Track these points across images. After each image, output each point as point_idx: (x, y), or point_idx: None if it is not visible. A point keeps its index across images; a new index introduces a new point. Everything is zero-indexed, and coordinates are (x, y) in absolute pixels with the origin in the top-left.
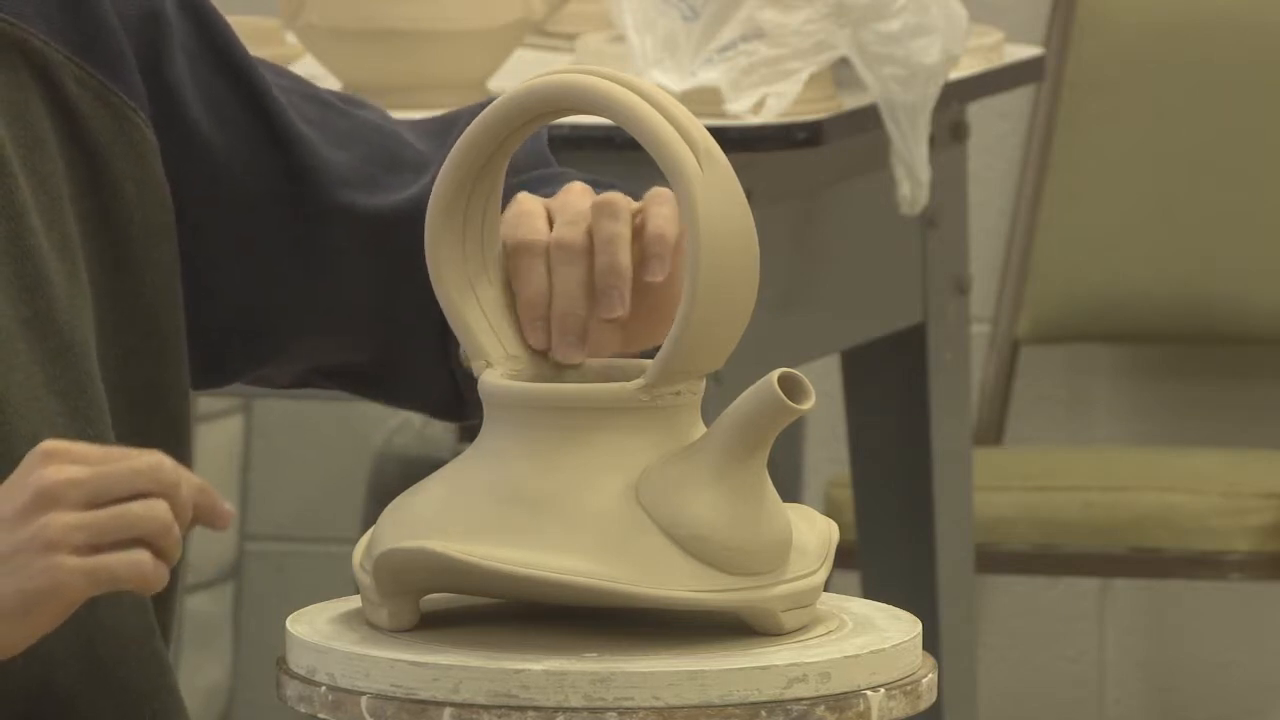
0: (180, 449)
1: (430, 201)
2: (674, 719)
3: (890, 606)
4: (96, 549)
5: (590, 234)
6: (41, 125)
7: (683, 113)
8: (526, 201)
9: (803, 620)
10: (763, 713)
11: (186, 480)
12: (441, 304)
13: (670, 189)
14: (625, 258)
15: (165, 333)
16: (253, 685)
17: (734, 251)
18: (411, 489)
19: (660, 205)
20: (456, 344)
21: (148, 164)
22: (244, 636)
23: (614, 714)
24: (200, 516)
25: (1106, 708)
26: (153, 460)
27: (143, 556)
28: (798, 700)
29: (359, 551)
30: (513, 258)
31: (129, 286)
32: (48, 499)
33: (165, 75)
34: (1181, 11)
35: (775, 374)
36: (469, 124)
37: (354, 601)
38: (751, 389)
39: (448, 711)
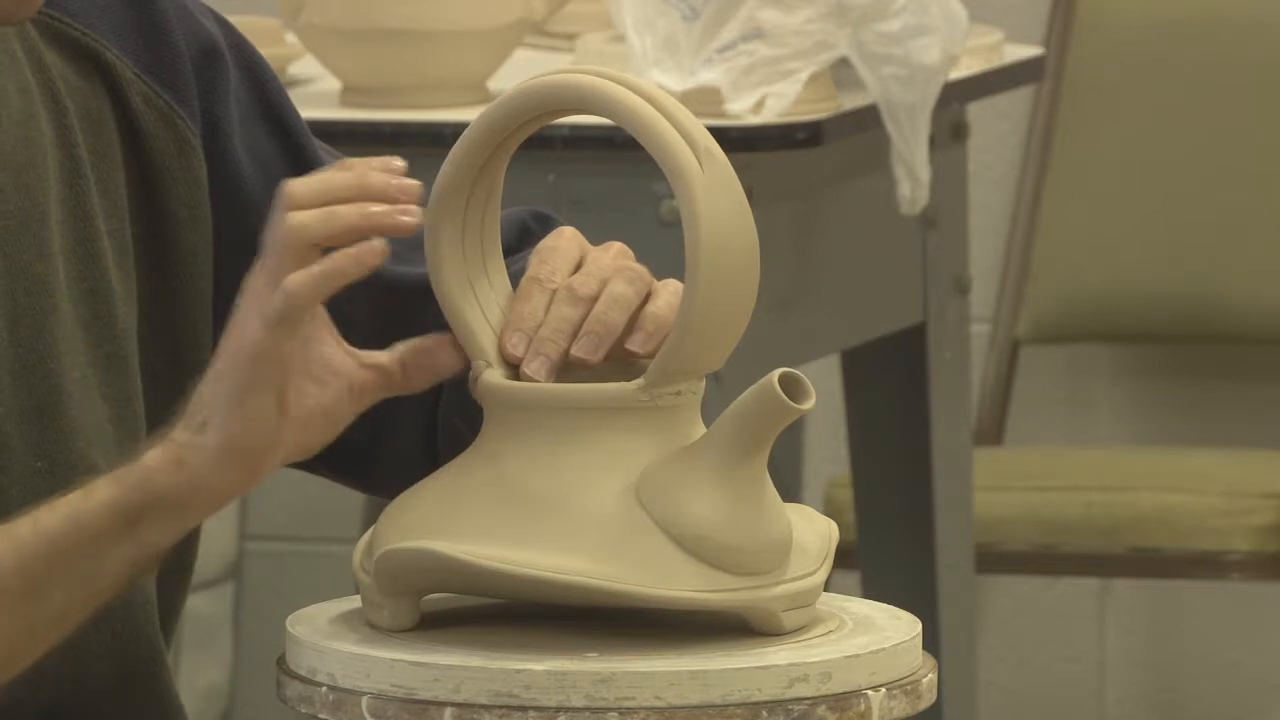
0: None
1: (430, 201)
2: (675, 719)
3: (890, 606)
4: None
5: (602, 287)
6: (110, 137)
7: (683, 112)
8: (565, 239)
9: (803, 620)
10: (764, 713)
11: (318, 180)
12: (441, 304)
13: (674, 192)
14: (620, 319)
15: (193, 364)
16: (253, 685)
17: (734, 251)
18: (412, 489)
19: (671, 294)
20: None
21: (200, 192)
22: (244, 636)
23: (615, 714)
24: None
25: (1106, 708)
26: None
27: (284, 280)
28: (799, 700)
29: (359, 551)
30: (524, 284)
31: (168, 313)
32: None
33: (216, 113)
34: (1181, 11)
35: (775, 374)
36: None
37: (354, 601)
38: (752, 389)
39: (449, 711)
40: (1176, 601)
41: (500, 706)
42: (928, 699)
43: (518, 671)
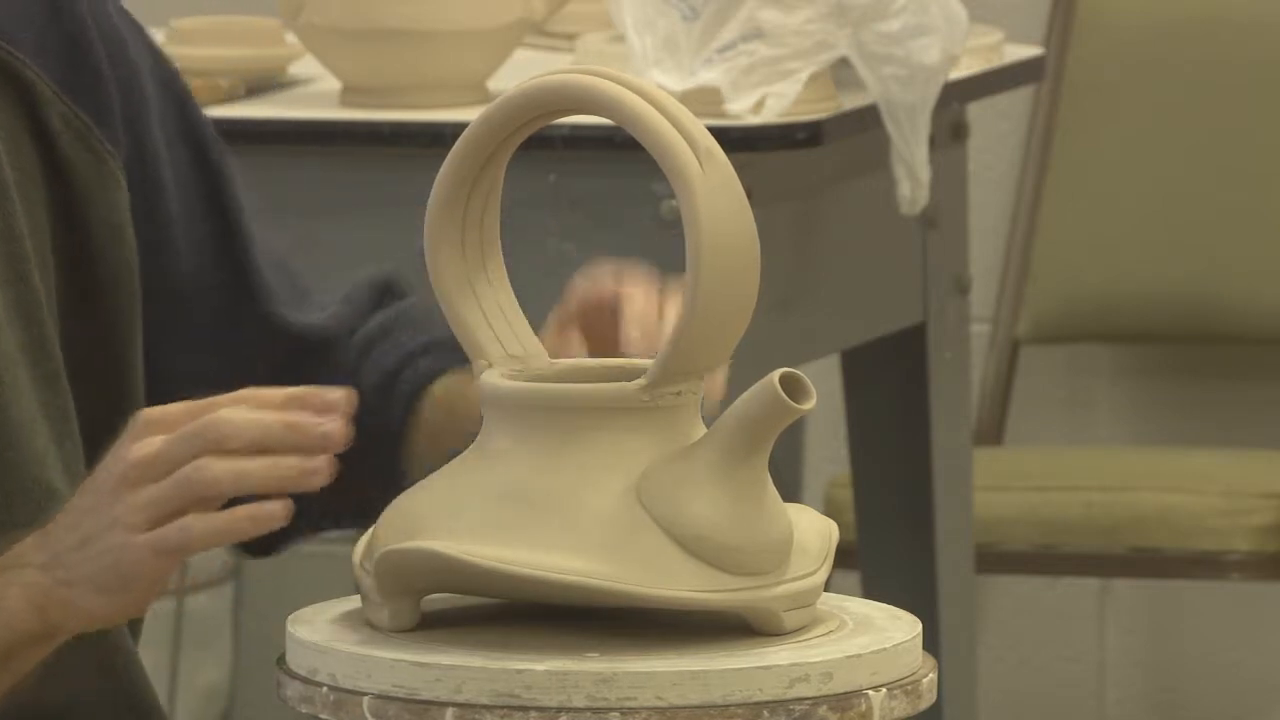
0: None
1: (430, 201)
2: (677, 719)
3: (890, 606)
4: (162, 521)
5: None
6: (28, 154)
7: (683, 112)
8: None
9: (803, 620)
10: (765, 713)
11: (249, 425)
12: (440, 303)
13: (674, 192)
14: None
15: (126, 380)
16: (253, 685)
17: (735, 251)
18: (412, 489)
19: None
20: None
21: (120, 212)
22: (244, 636)
23: (617, 714)
24: (297, 434)
25: (1106, 708)
26: (208, 420)
27: (189, 522)
28: (800, 700)
29: (359, 551)
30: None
31: (93, 329)
32: (129, 480)
33: (143, 139)
34: (1181, 11)
35: (776, 374)
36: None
37: (354, 601)
38: (753, 389)
39: (450, 712)
40: (1176, 601)
41: (502, 707)
42: (928, 699)
43: (519, 672)
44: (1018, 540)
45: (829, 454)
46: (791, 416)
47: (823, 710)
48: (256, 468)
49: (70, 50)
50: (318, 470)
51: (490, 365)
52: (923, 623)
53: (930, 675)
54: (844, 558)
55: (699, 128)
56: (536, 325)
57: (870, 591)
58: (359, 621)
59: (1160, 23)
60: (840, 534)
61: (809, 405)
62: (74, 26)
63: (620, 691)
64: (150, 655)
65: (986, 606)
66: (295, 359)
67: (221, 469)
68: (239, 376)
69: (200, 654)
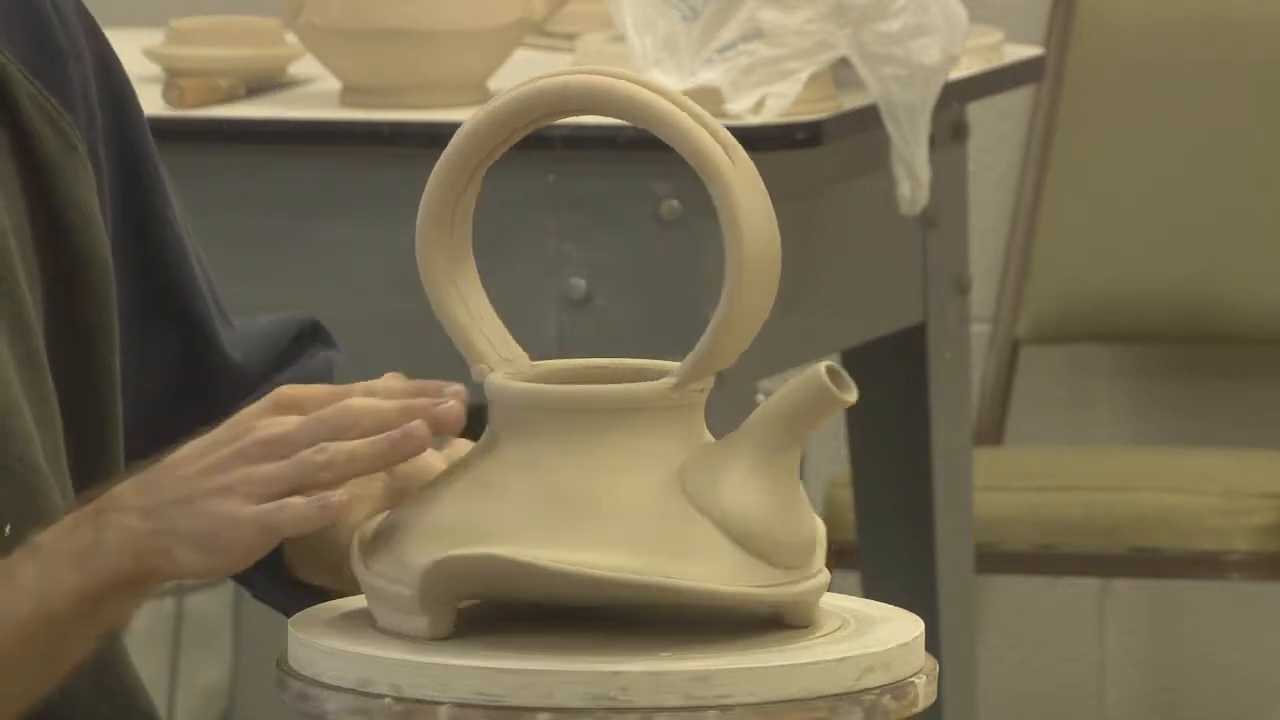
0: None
1: (424, 199)
2: (768, 714)
3: (888, 605)
4: (273, 497)
5: None
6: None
7: (701, 110)
8: None
9: (818, 615)
10: (844, 705)
11: (368, 414)
12: (433, 304)
13: (709, 191)
14: None
15: (100, 368)
16: (253, 685)
17: (765, 243)
18: (423, 492)
19: None
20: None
21: (89, 195)
22: (244, 636)
23: (714, 712)
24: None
25: (1106, 708)
26: (335, 408)
27: (299, 505)
28: (868, 690)
29: (356, 548)
30: None
31: (68, 313)
32: (252, 456)
33: (93, 141)
34: (1181, 11)
35: (822, 366)
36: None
37: (355, 602)
38: (795, 381)
39: (543, 717)
40: (1176, 601)
41: (599, 709)
42: (933, 696)
43: (614, 674)
44: (1018, 540)
45: (829, 454)
46: (837, 408)
47: (886, 700)
48: (363, 447)
49: (37, 34)
50: (414, 434)
51: (491, 369)
52: (923, 622)
53: (935, 667)
54: (844, 558)
55: (717, 124)
56: (533, 325)
57: (870, 591)
58: (364, 624)
59: (1160, 23)
60: (840, 534)
61: (853, 397)
62: (40, 11)
63: (717, 689)
64: (150, 655)
65: (986, 606)
66: (215, 388)
67: (334, 450)
68: (155, 395)
69: (200, 654)
